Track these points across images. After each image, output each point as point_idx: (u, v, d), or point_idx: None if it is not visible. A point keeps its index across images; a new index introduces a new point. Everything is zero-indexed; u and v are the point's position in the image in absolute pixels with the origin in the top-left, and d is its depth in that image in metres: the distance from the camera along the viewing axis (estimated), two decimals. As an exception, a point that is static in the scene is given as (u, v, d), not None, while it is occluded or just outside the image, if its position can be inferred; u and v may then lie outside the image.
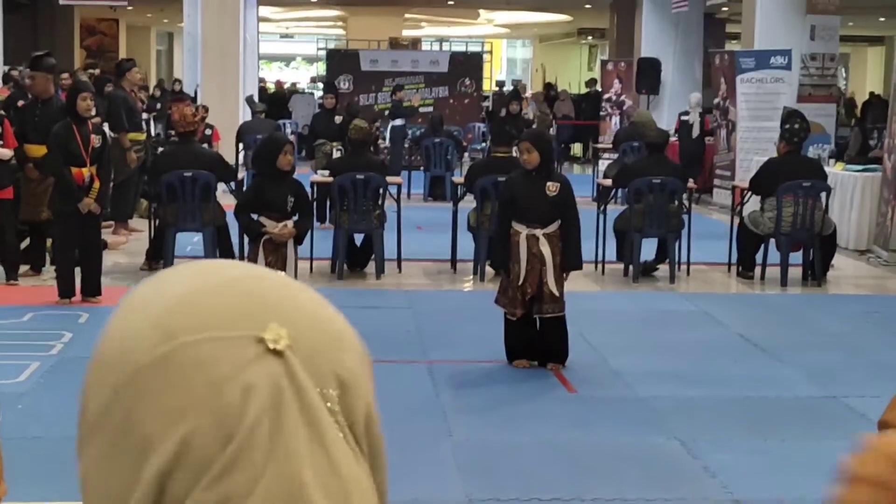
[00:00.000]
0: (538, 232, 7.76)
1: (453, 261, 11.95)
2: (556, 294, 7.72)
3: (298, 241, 9.06)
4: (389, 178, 11.78)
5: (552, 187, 7.73)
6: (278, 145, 8.62)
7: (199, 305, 0.84)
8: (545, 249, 7.74)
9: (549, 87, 32.31)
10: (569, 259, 7.78)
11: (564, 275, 7.78)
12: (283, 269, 7.86)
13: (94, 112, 10.13)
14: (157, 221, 11.26)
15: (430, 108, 23.66)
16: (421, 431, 6.58)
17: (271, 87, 32.85)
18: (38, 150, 10.61)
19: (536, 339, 7.90)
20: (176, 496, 0.81)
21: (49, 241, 10.89)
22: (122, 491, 0.82)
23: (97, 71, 15.27)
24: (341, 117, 15.70)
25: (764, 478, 5.83)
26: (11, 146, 10.42)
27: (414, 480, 5.77)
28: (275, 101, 27.89)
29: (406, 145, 21.06)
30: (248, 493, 0.80)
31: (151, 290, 0.88)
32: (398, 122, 20.00)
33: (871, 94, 28.65)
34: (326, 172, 11.96)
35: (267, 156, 8.40)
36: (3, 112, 10.72)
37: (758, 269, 11.67)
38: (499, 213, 8.28)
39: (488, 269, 11.63)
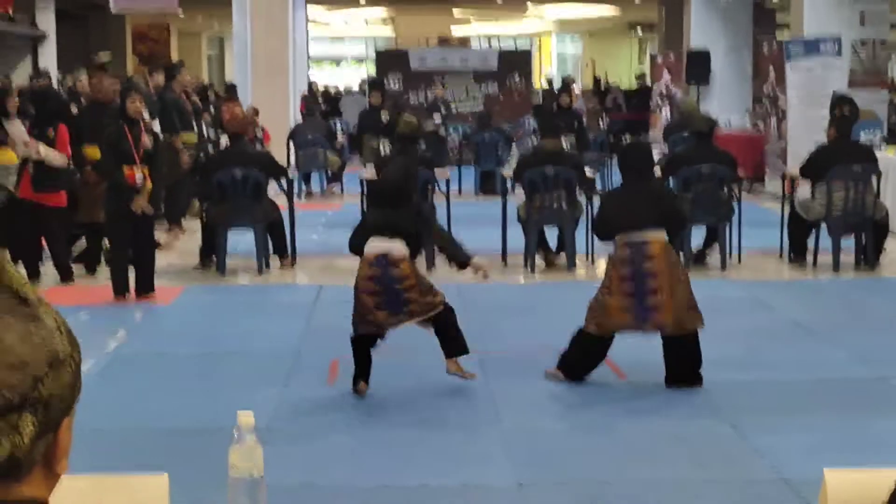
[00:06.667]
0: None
1: (504, 254, 11.99)
2: None
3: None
4: (437, 172, 11.84)
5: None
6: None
7: None
8: None
9: (597, 82, 32.28)
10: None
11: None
12: None
13: (144, 113, 10.28)
14: (208, 220, 11.39)
15: (481, 107, 23.71)
16: (471, 418, 6.63)
17: (321, 88, 33.06)
18: (96, 153, 10.76)
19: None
20: None
21: (105, 242, 11.09)
22: None
23: (161, 76, 15.31)
24: (388, 114, 15.80)
25: (813, 458, 5.81)
26: (65, 153, 10.56)
27: (464, 465, 5.83)
28: (326, 102, 28.14)
29: (456, 143, 21.14)
30: None
31: None
32: (435, 121, 20.01)
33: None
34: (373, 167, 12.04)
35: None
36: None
37: (809, 256, 11.63)
38: None
39: (538, 262, 11.69)
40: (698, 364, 7.25)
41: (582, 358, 7.34)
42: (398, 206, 7.17)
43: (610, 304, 7.17)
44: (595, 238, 8.48)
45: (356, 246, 7.24)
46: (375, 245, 7.05)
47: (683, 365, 7.23)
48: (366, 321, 7.05)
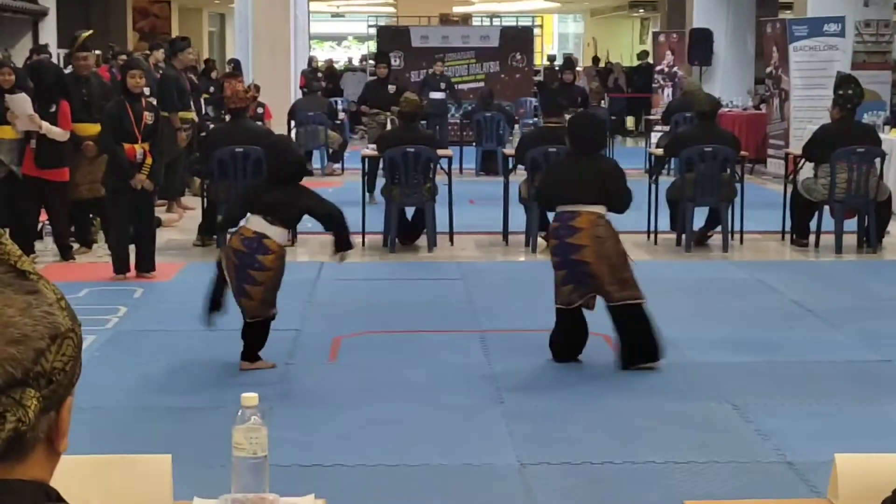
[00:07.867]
0: None
1: (505, 233, 11.96)
2: None
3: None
4: (439, 152, 11.80)
5: None
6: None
7: None
8: None
9: (595, 60, 32.18)
10: None
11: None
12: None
13: (144, 89, 10.23)
14: (209, 197, 11.34)
15: (482, 83, 23.63)
16: (473, 398, 6.61)
17: (322, 64, 32.96)
18: (89, 129, 10.71)
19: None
20: None
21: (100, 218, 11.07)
22: None
23: (161, 52, 15.16)
24: (395, 86, 15.74)
25: (817, 440, 5.80)
26: (66, 128, 10.50)
27: (466, 446, 5.81)
28: (328, 79, 28.07)
29: (457, 121, 21.05)
30: None
31: None
32: (437, 95, 19.79)
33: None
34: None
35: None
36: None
37: (812, 237, 11.59)
38: None
39: (540, 241, 11.65)
40: (655, 341, 7.14)
41: (561, 335, 7.31)
42: (292, 187, 7.00)
43: (555, 277, 7.21)
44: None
45: (235, 219, 7.33)
46: (256, 224, 6.93)
47: (639, 342, 7.12)
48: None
